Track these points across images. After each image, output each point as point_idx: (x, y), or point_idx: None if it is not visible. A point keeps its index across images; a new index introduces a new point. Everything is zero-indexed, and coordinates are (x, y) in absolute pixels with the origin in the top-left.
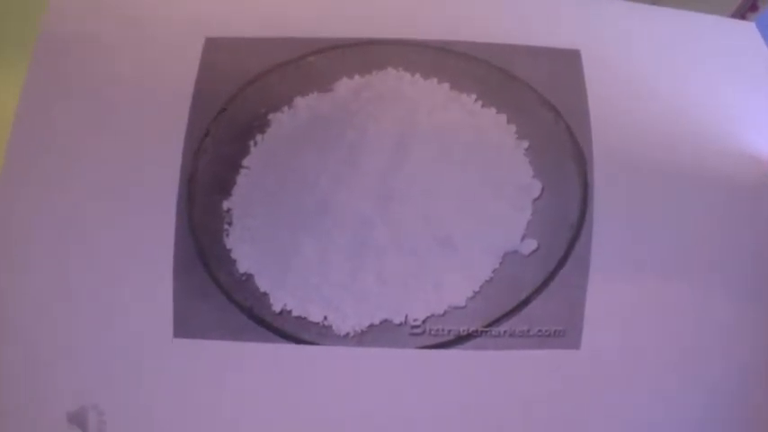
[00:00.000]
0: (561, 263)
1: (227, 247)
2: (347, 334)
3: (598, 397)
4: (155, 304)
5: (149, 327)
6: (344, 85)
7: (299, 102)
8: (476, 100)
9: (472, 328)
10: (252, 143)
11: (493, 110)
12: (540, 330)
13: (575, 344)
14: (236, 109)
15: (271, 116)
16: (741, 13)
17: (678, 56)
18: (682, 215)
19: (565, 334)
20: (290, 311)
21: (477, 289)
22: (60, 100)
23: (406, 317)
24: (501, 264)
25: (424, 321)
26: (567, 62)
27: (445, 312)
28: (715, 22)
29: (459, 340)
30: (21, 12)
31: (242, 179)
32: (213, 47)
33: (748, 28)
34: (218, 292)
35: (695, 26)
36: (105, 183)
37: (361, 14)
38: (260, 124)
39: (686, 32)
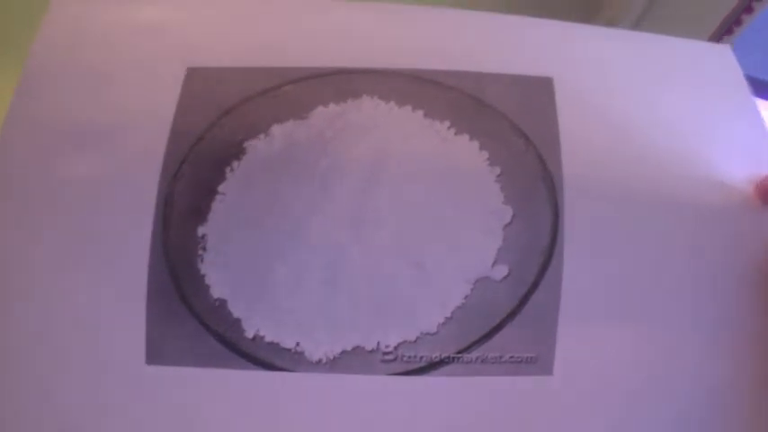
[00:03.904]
0: (533, 288)
1: (202, 272)
2: (319, 360)
3: (571, 423)
4: (127, 330)
5: (122, 353)
6: (320, 114)
7: (276, 129)
8: (449, 127)
9: (444, 355)
10: (228, 170)
11: (466, 137)
12: (512, 357)
13: (547, 370)
14: (213, 137)
15: (247, 144)
16: (736, 16)
17: (651, 81)
18: (652, 241)
19: (537, 360)
20: (262, 337)
21: (448, 315)
22: (43, 125)
23: (378, 343)
24: (472, 290)
25: (396, 348)
26: (540, 89)
27: (417, 339)
28: (690, 46)
29: (431, 367)
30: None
31: (217, 205)
32: (194, 76)
33: (723, 51)
34: (191, 319)
35: (669, 50)
36: (82, 206)
37: (338, 45)
38: (236, 152)
39: (660, 57)
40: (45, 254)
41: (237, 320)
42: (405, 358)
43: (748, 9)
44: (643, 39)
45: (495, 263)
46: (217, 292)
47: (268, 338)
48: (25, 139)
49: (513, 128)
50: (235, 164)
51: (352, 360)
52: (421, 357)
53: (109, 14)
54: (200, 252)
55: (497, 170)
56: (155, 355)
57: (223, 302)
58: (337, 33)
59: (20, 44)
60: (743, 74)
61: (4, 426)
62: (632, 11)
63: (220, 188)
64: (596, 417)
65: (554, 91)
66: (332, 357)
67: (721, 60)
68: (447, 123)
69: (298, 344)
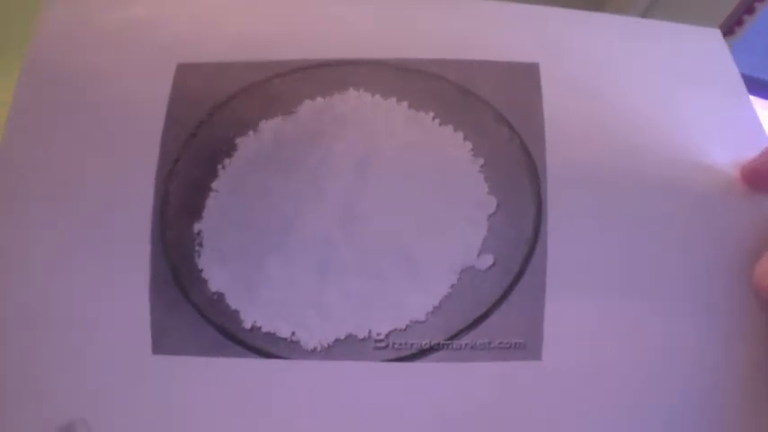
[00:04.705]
0: (518, 277)
1: (199, 267)
2: (314, 348)
3: (562, 406)
4: (134, 323)
5: (129, 344)
6: (307, 108)
7: (264, 125)
8: (433, 118)
9: (434, 342)
10: (220, 167)
11: (450, 127)
12: (500, 342)
13: (536, 355)
14: (205, 134)
15: (237, 140)
16: (738, 16)
17: (638, 65)
18: (639, 228)
19: (525, 346)
20: (259, 328)
21: (436, 304)
22: (37, 127)
23: (370, 332)
24: (459, 279)
25: (387, 336)
26: (525, 76)
27: (407, 327)
28: (677, 30)
29: (421, 353)
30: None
31: (211, 202)
32: (184, 72)
33: (713, 35)
34: (192, 311)
35: (657, 35)
36: (83, 207)
37: (323, 36)
38: (227, 148)
39: (647, 41)
40: (51, 255)
41: (235, 312)
42: (396, 345)
43: (749, 10)
44: (630, 23)
45: (480, 252)
46: (214, 285)
47: (265, 329)
48: (27, 140)
49: (498, 117)
50: (226, 161)
51: (345, 348)
52: (411, 344)
53: (98, 11)
54: (197, 248)
55: (481, 161)
56: (160, 345)
57: (221, 295)
58: (322, 25)
59: (18, 45)
60: (733, 60)
61: (13, 418)
62: (637, 4)
63: (213, 185)
64: (587, 399)
65: (540, 77)
66: (326, 345)
67: (710, 44)
68: (431, 114)
69: (293, 333)
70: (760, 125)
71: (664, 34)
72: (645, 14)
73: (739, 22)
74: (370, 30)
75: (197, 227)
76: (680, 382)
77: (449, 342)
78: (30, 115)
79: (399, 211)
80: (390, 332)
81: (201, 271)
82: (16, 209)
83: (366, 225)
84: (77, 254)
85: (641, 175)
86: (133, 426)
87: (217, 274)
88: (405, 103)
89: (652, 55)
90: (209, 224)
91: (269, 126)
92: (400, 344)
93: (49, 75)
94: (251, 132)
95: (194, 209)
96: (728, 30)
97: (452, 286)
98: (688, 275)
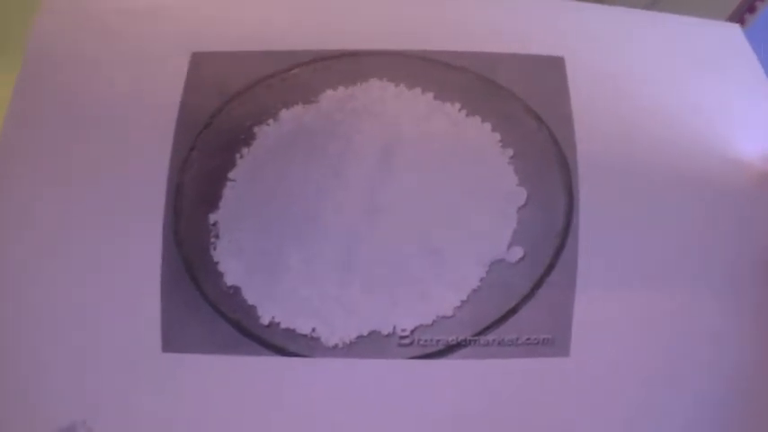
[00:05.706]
0: (548, 270)
1: (215, 260)
2: (336, 345)
3: (588, 403)
4: (142, 319)
5: (138, 342)
6: (329, 97)
7: (284, 114)
8: (460, 109)
9: (461, 338)
10: (238, 156)
11: (477, 118)
12: (528, 338)
13: (564, 351)
14: (221, 122)
15: (256, 129)
16: (739, 15)
17: (663, 60)
18: (668, 221)
19: (554, 342)
20: (278, 324)
21: (464, 298)
22: (47, 115)
23: (395, 327)
24: (488, 272)
25: (412, 332)
26: (551, 69)
27: (433, 322)
28: (700, 25)
29: (448, 350)
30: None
31: (228, 192)
32: (199, 61)
33: (733, 30)
34: (206, 306)
35: (679, 29)
36: (91, 197)
37: (345, 26)
38: (245, 137)
39: (671, 36)
40: (57, 247)
41: (252, 307)
42: (421, 342)
43: (751, 8)
44: (653, 17)
45: (510, 245)
46: (230, 279)
47: (283, 325)
48: (30, 133)
49: (525, 108)
50: (245, 150)
51: (368, 345)
52: (438, 341)
53: None
54: (213, 240)
55: (510, 152)
56: (170, 342)
57: (237, 290)
58: (344, 15)
59: (19, 44)
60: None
61: (13, 418)
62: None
63: (231, 175)
64: (613, 397)
65: (566, 70)
66: (348, 342)
67: (732, 39)
68: (458, 105)
69: (314, 329)
70: None
71: (686, 29)
72: (650, 5)
73: (741, 21)
74: (394, 21)
75: (213, 218)
76: (707, 380)
77: (476, 338)
78: (33, 104)
79: (424, 202)
80: (416, 328)
81: (217, 263)
82: (22, 198)
83: (390, 216)
84: (84, 246)
85: (671, 168)
86: (141, 427)
87: (233, 266)
88: (430, 94)
89: (675, 49)
90: (225, 215)
91: (290, 115)
92: (426, 340)
93: (54, 60)
94: (271, 121)
95: (210, 199)
96: None
97: (481, 279)
98: (719, 272)
